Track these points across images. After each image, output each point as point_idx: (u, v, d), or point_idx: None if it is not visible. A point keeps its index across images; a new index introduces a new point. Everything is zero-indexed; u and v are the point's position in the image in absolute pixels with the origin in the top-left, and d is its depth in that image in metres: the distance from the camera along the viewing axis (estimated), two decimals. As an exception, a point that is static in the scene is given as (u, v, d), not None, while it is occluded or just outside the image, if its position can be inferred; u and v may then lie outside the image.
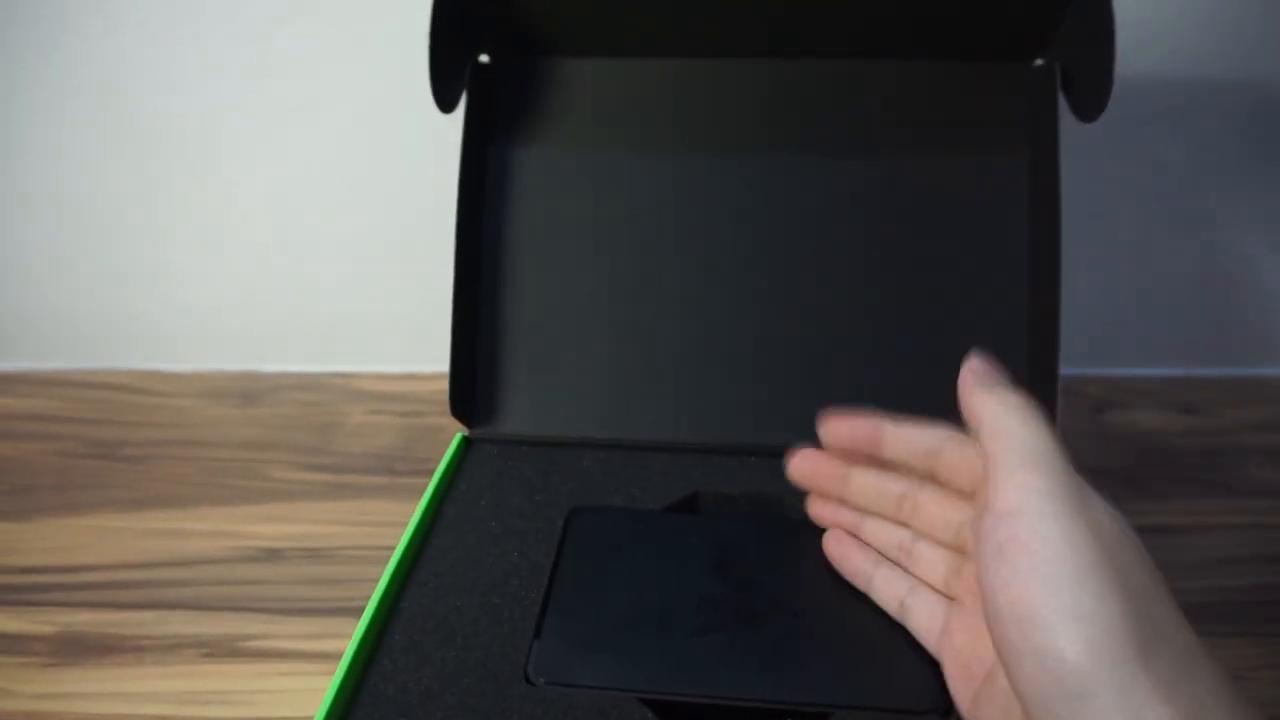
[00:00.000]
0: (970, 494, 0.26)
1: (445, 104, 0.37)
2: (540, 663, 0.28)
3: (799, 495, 0.36)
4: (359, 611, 0.30)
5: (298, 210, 0.53)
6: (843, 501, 0.30)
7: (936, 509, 0.28)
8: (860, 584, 0.30)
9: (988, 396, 0.25)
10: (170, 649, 0.37)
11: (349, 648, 0.29)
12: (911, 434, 0.28)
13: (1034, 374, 0.37)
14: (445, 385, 0.38)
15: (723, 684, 0.27)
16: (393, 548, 0.32)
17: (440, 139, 0.48)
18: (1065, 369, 0.54)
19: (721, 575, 0.31)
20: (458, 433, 0.39)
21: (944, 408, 0.37)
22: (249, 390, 0.56)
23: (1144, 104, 0.47)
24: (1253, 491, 0.45)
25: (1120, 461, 0.48)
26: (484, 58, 0.40)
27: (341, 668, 0.28)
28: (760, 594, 0.30)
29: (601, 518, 0.34)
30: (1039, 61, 0.38)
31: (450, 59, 0.37)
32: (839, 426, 0.29)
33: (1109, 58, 0.33)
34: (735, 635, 0.29)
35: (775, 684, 0.27)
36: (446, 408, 0.38)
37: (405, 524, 0.34)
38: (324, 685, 0.27)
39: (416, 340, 0.56)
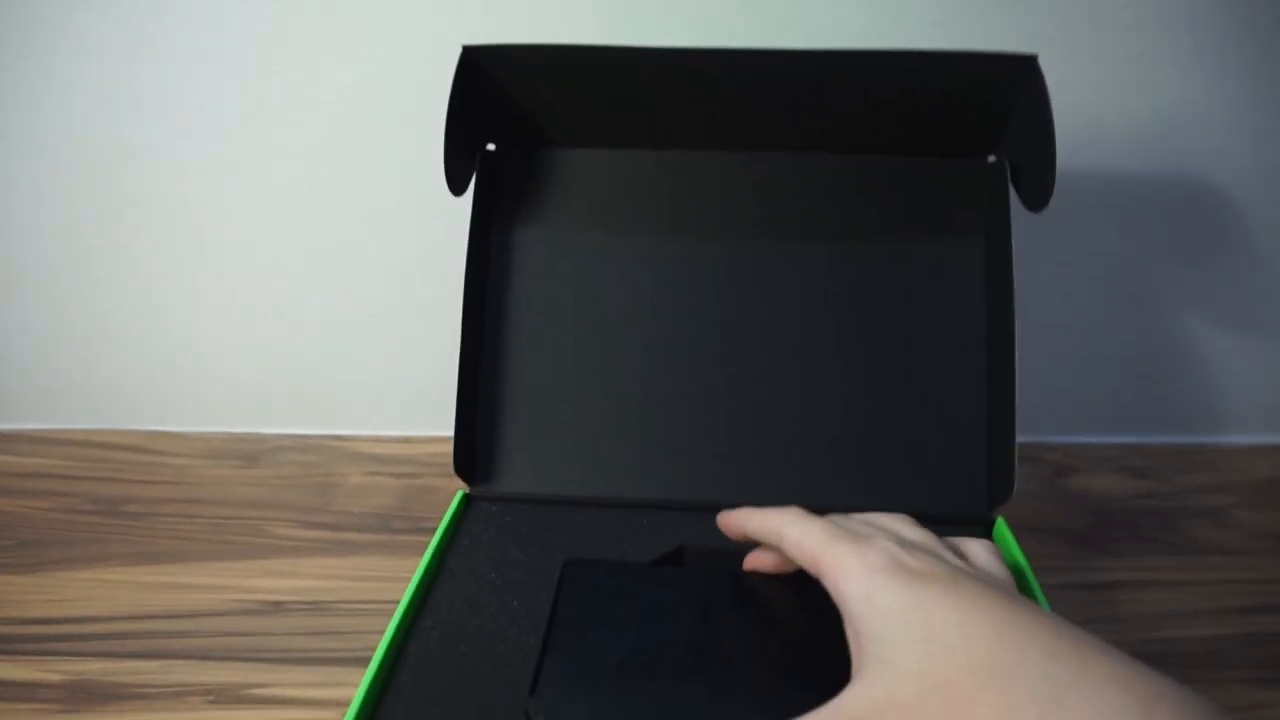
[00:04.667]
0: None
1: (456, 186, 0.40)
2: (539, 706, 0.30)
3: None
4: (360, 661, 0.32)
5: (302, 283, 0.56)
6: None
7: None
8: None
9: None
10: (176, 696, 0.39)
11: (359, 689, 0.30)
12: (758, 519, 0.32)
13: (992, 441, 0.40)
14: (440, 449, 0.41)
15: None
16: (391, 601, 0.34)
17: (438, 218, 0.52)
18: (1028, 436, 0.59)
19: (705, 624, 0.33)
20: (459, 490, 0.41)
21: (905, 469, 0.41)
22: (250, 451, 0.58)
23: (1089, 195, 0.52)
24: (1198, 550, 0.48)
25: (1079, 522, 0.51)
26: (491, 146, 0.44)
27: (352, 708, 0.30)
28: (740, 641, 0.33)
29: (594, 570, 0.37)
30: (992, 158, 0.42)
31: (462, 146, 0.40)
32: (725, 524, 0.34)
33: (1050, 154, 0.36)
34: (715, 679, 0.31)
35: None
36: (442, 470, 0.41)
37: (403, 579, 0.36)
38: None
39: (413, 406, 0.59)
